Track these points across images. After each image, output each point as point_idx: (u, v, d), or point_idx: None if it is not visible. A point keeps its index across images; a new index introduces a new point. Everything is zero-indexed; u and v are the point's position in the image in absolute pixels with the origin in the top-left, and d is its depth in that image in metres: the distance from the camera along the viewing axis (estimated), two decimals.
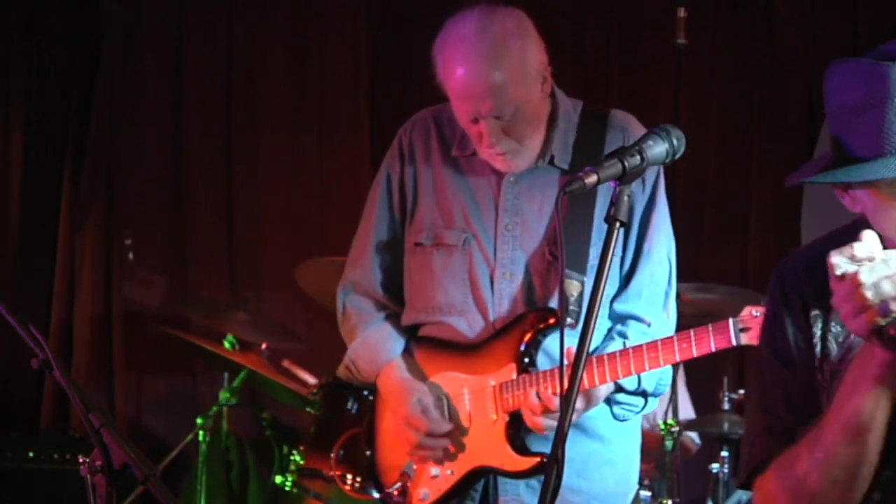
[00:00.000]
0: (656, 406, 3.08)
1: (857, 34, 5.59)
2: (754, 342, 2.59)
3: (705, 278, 5.26)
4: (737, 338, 2.64)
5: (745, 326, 2.61)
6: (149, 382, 6.19)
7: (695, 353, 2.73)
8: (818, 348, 1.97)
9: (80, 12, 6.29)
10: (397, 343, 3.11)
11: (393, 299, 3.16)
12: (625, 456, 3.05)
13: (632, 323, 2.95)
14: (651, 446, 5.03)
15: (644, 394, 2.95)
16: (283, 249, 6.06)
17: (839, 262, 1.76)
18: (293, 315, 5.81)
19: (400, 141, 3.14)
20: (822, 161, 1.96)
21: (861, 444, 1.84)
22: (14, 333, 2.42)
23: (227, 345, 5.07)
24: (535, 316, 2.92)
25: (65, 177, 6.25)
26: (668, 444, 4.67)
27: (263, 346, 5.32)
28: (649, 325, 2.93)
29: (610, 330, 2.99)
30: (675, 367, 4.73)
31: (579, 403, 2.81)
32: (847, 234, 1.82)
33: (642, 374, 2.87)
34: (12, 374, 6.02)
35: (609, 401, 2.96)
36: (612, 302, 2.98)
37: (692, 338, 2.69)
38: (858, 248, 1.75)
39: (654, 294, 2.96)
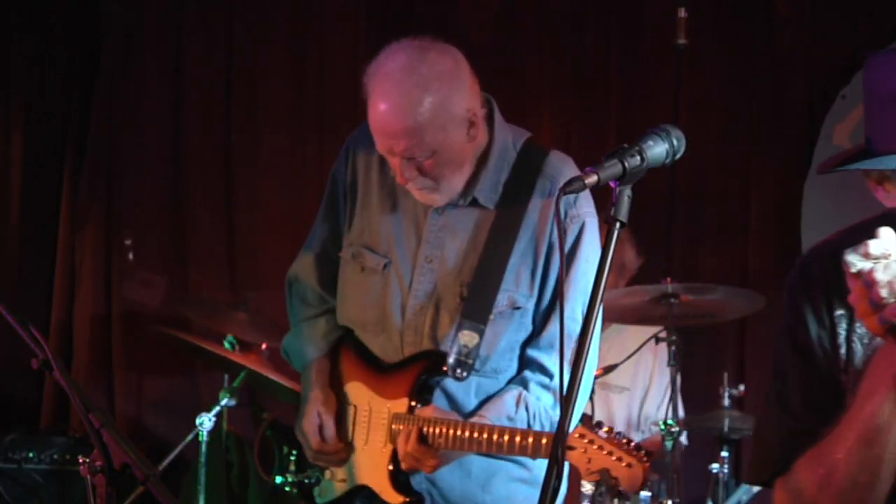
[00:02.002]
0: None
1: (857, 34, 5.59)
2: (574, 462, 2.57)
3: (705, 278, 5.26)
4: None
5: (572, 446, 2.57)
6: (149, 382, 6.19)
7: (529, 454, 2.74)
8: (843, 349, 1.92)
9: (80, 12, 6.29)
10: (324, 342, 3.16)
11: (331, 294, 3.20)
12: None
13: (536, 374, 2.95)
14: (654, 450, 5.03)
15: None
16: (283, 249, 6.04)
17: (853, 259, 1.71)
18: None
19: (347, 149, 3.16)
20: (856, 150, 1.93)
21: (881, 447, 1.80)
22: (14, 333, 2.43)
23: (226, 345, 5.07)
24: (428, 360, 2.94)
25: (65, 177, 6.26)
26: (668, 444, 4.67)
27: (263, 346, 5.32)
28: (552, 377, 2.92)
29: (515, 376, 2.99)
30: (675, 367, 4.76)
31: (432, 460, 2.84)
32: (872, 225, 1.76)
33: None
34: (12, 374, 6.02)
35: None
36: (524, 344, 2.98)
37: (529, 439, 2.71)
38: (873, 245, 1.70)
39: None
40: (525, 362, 2.98)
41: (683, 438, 5.12)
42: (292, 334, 3.24)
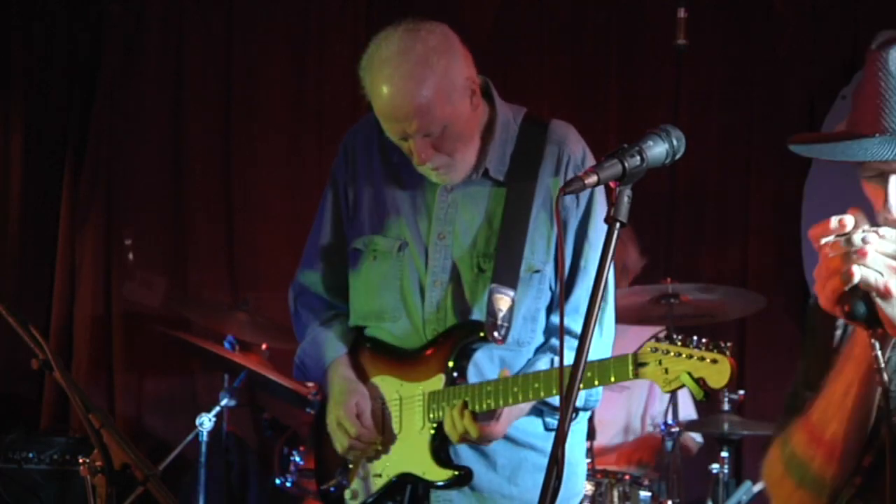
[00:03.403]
0: (584, 418, 3.12)
1: (857, 34, 5.60)
2: (650, 377, 2.63)
3: (705, 278, 5.26)
4: (634, 373, 2.67)
5: (644, 361, 2.64)
6: (149, 382, 6.19)
7: (596, 383, 2.77)
8: (839, 331, 2.02)
9: (80, 12, 6.29)
10: (343, 342, 3.16)
11: (340, 300, 3.21)
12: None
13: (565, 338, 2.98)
14: (653, 449, 5.04)
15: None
16: (283, 250, 6.06)
17: (815, 234, 1.83)
18: None
19: (345, 147, 3.19)
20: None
21: (841, 422, 1.91)
22: (14, 333, 2.42)
23: (226, 345, 5.08)
24: (464, 329, 2.96)
25: (65, 177, 6.25)
26: (668, 444, 4.67)
27: (263, 346, 5.32)
28: None
29: (543, 344, 3.02)
30: None
31: (496, 425, 2.86)
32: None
33: None
34: (12, 374, 6.02)
35: (540, 412, 3.00)
36: (548, 314, 3.01)
37: (596, 368, 2.73)
38: (833, 222, 1.81)
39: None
40: (552, 331, 2.99)
41: (698, 437, 5.12)
42: (307, 342, 3.23)
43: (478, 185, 3.00)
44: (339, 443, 3.06)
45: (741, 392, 4.84)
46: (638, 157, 2.19)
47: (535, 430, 3.01)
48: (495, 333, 2.91)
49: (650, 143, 2.23)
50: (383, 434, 3.04)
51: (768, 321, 5.45)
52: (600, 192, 2.96)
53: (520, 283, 2.94)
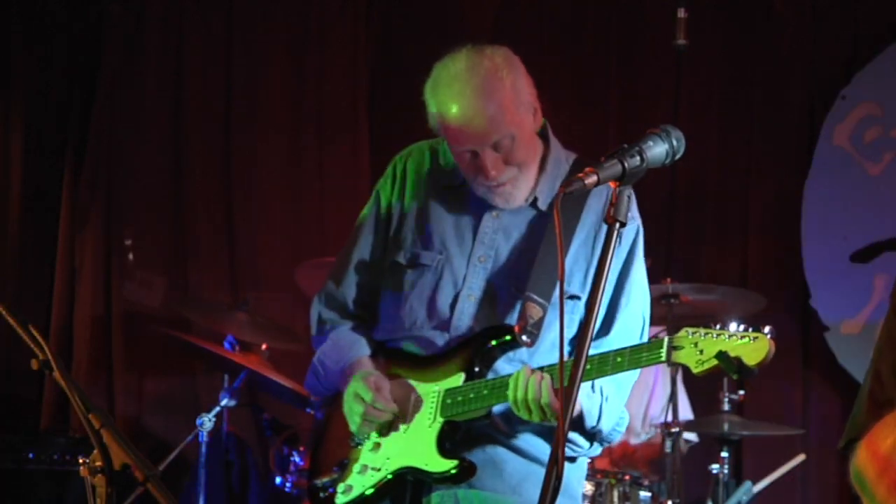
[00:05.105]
0: (598, 452, 3.11)
1: (857, 34, 5.60)
2: (683, 361, 2.64)
3: (705, 278, 5.26)
4: (668, 355, 2.68)
5: (679, 345, 2.65)
6: (149, 382, 6.19)
7: (625, 368, 2.76)
8: None
9: (80, 12, 6.29)
10: (366, 345, 3.17)
11: (365, 313, 3.22)
12: (566, 484, 3.04)
13: None
14: (654, 456, 5.03)
15: (595, 436, 2.99)
16: (283, 250, 6.06)
17: None
18: (293, 315, 5.81)
19: (394, 166, 3.22)
20: None
21: None
22: (14, 334, 2.42)
23: (226, 345, 5.08)
24: (491, 331, 2.97)
25: (65, 177, 6.25)
26: (668, 444, 4.68)
27: (263, 346, 5.32)
28: None
29: None
30: (676, 368, 4.76)
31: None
32: None
33: (603, 414, 2.92)
34: (12, 375, 6.02)
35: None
36: (574, 341, 3.01)
37: (627, 354, 2.74)
38: None
39: (625, 345, 2.97)
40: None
41: (694, 437, 5.12)
42: (327, 345, 3.20)
43: (524, 214, 3.05)
44: (353, 414, 3.03)
45: (741, 392, 4.84)
46: (638, 157, 2.20)
47: (547, 449, 3.01)
48: (524, 337, 2.92)
49: (650, 143, 2.24)
50: (393, 429, 3.03)
51: (768, 321, 5.44)
52: (642, 236, 3.12)
53: (551, 307, 2.96)
